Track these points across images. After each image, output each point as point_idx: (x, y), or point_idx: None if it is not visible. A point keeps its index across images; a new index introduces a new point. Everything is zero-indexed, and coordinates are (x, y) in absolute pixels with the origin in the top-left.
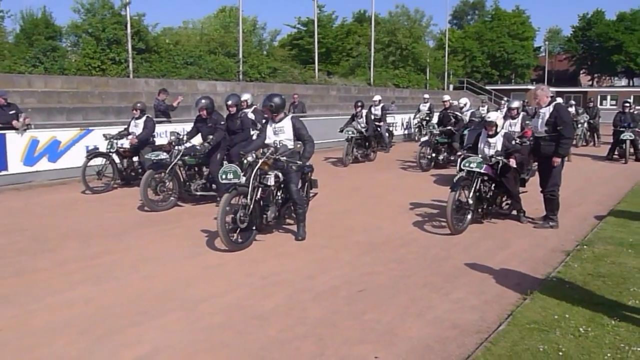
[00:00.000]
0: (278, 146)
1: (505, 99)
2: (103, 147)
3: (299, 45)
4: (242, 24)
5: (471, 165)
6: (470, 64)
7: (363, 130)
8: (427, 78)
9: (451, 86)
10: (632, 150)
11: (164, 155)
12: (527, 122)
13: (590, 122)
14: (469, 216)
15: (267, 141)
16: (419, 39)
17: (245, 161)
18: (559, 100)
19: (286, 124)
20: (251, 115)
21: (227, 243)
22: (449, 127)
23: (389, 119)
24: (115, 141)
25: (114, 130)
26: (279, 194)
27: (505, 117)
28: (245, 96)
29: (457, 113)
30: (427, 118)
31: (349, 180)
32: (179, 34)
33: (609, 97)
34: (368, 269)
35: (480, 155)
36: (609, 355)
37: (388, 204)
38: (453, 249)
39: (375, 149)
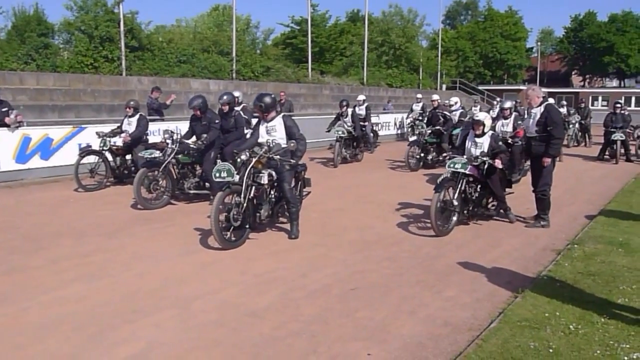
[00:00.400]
0: (271, 145)
1: (498, 99)
2: (96, 145)
3: (292, 44)
4: (236, 23)
5: (456, 166)
6: (463, 64)
7: (351, 129)
8: (420, 78)
9: (444, 86)
10: (622, 150)
11: (157, 154)
12: (519, 122)
13: (581, 123)
14: (455, 218)
15: (260, 140)
16: (412, 38)
17: (238, 160)
18: (551, 100)
19: (278, 123)
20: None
21: (221, 241)
22: (438, 127)
23: (374, 119)
24: (108, 139)
25: (106, 128)
26: (272, 192)
27: (497, 118)
28: (236, 94)
29: (445, 112)
30: (420, 118)
31: (341, 180)
32: (172, 32)
33: (600, 98)
34: (361, 267)
35: (466, 156)
36: (598, 352)
37: (380, 203)
38: (445, 248)
39: (363, 149)
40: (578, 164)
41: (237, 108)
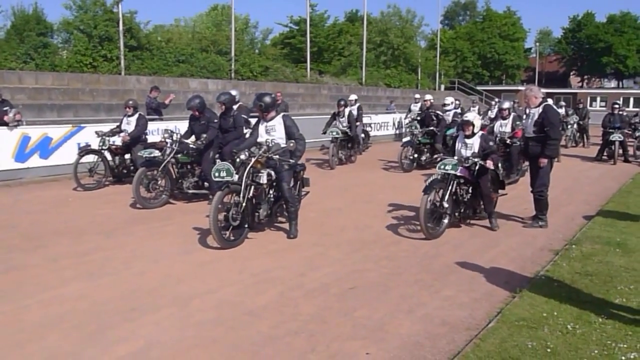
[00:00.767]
0: (270, 145)
1: (496, 99)
2: (95, 144)
3: (290, 44)
4: (234, 22)
5: (446, 167)
6: (462, 65)
7: (347, 130)
8: (419, 78)
9: (442, 86)
10: (620, 151)
11: (156, 153)
12: (517, 122)
13: (579, 123)
14: (446, 220)
15: (259, 140)
16: (411, 39)
17: (237, 159)
18: (550, 101)
19: (277, 123)
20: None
21: (219, 240)
22: (431, 128)
23: (365, 119)
24: (107, 138)
25: (105, 128)
26: (271, 192)
27: (496, 118)
28: (233, 92)
29: (438, 112)
30: (418, 118)
31: (338, 180)
32: (171, 31)
33: (598, 99)
34: (359, 266)
35: (456, 157)
36: (595, 352)
37: (378, 203)
38: (443, 247)
39: (357, 149)
40: (576, 165)
41: (234, 107)
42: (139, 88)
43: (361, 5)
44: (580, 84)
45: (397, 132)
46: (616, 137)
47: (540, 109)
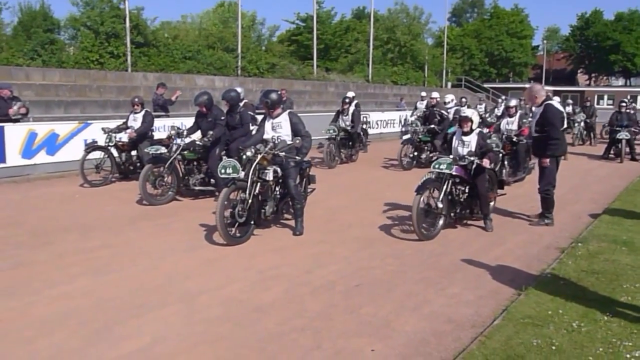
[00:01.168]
0: (276, 141)
1: (503, 97)
2: (101, 140)
3: (297, 41)
4: (241, 19)
5: (441, 166)
6: (469, 62)
7: (348, 128)
8: (426, 75)
9: (449, 84)
10: (627, 149)
11: (163, 150)
12: (524, 120)
13: (586, 122)
14: (441, 221)
15: (265, 136)
16: (418, 36)
17: (244, 156)
18: (555, 100)
19: (284, 120)
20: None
21: (226, 237)
22: (433, 126)
23: (363, 117)
24: (113, 135)
25: (112, 124)
26: (277, 189)
27: (502, 116)
28: (238, 89)
29: (442, 111)
30: (422, 115)
31: (343, 178)
32: (178, 28)
33: (605, 97)
34: (365, 263)
35: (452, 155)
36: (601, 349)
37: (384, 201)
38: (449, 245)
39: (359, 148)
40: (583, 163)
41: (240, 104)
42: (145, 85)
43: (368, 2)
44: (587, 82)
45: (403, 129)
46: (623, 135)
47: (541, 108)
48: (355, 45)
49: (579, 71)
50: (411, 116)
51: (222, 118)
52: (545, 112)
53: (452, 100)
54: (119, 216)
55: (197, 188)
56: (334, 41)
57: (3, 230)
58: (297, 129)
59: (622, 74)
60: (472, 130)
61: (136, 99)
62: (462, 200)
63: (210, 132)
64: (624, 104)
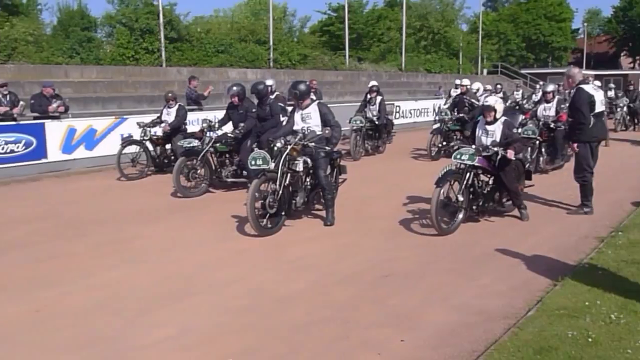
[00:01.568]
0: (306, 132)
1: (541, 82)
2: (137, 135)
3: (329, 31)
4: (272, 11)
5: (462, 157)
6: (505, 48)
7: (374, 119)
8: (460, 63)
9: (485, 70)
10: None
11: (195, 143)
12: (562, 105)
13: (630, 106)
14: (461, 215)
15: (295, 128)
16: (452, 22)
17: (275, 147)
18: (594, 83)
19: (313, 110)
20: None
21: (257, 228)
22: (462, 114)
23: (388, 107)
24: (148, 129)
25: (147, 119)
26: (307, 179)
27: (540, 102)
28: (269, 82)
29: (472, 100)
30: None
31: (373, 169)
32: (210, 22)
33: None
34: (394, 254)
35: (475, 145)
36: None
37: (413, 191)
38: (480, 235)
39: (385, 139)
40: (625, 149)
41: (271, 97)
42: (179, 79)
43: None
44: (631, 65)
45: (437, 118)
46: None
47: (573, 92)
48: (388, 34)
49: (622, 54)
50: (444, 105)
51: (254, 110)
52: (574, 96)
53: (479, 89)
54: (153, 208)
55: (229, 180)
56: (366, 30)
57: (43, 223)
58: (326, 120)
59: None
60: (496, 120)
61: (170, 94)
62: (484, 192)
63: (242, 124)
64: None
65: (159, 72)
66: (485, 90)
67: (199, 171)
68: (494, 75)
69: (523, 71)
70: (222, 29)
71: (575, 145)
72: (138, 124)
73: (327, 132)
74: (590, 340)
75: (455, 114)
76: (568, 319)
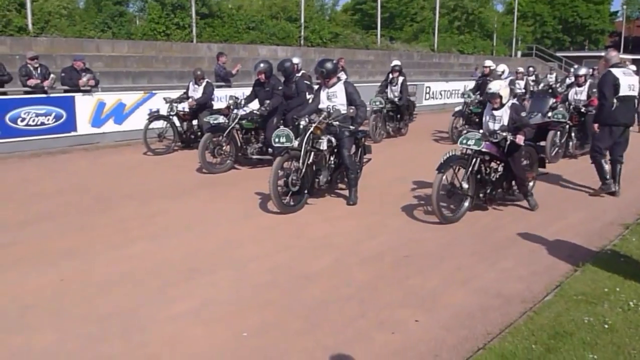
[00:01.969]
0: (331, 111)
1: (575, 66)
2: (163, 110)
3: (361, 10)
4: None
5: (469, 142)
6: (541, 30)
7: (396, 100)
8: (494, 44)
9: (519, 53)
10: None
11: (222, 119)
12: (594, 90)
13: None
14: (466, 203)
15: (320, 106)
16: (487, 3)
17: (300, 125)
18: (631, 67)
19: (339, 89)
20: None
21: (279, 206)
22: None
23: (410, 89)
24: (175, 104)
25: (174, 94)
26: (331, 158)
27: (571, 85)
28: (296, 60)
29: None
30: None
31: (395, 150)
32: None
33: None
34: (416, 235)
35: (482, 131)
36: None
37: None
38: (504, 219)
39: (407, 121)
40: None
41: (297, 75)
42: (209, 55)
43: None
44: None
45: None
46: None
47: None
48: (421, 14)
49: None
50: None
51: (280, 88)
52: (600, 78)
53: (504, 71)
54: (178, 184)
55: (254, 157)
56: (399, 9)
57: (70, 196)
58: (352, 99)
59: None
60: (503, 105)
61: (198, 72)
62: (493, 179)
63: (268, 102)
64: None
65: (189, 48)
66: (517, 72)
67: (224, 147)
68: (528, 58)
69: (558, 54)
70: (253, 5)
71: (596, 125)
72: (165, 99)
73: (351, 110)
74: (606, 326)
75: (479, 96)
76: (585, 305)
